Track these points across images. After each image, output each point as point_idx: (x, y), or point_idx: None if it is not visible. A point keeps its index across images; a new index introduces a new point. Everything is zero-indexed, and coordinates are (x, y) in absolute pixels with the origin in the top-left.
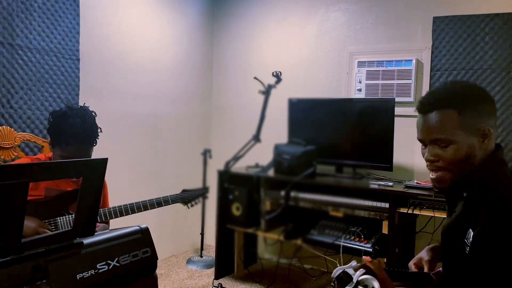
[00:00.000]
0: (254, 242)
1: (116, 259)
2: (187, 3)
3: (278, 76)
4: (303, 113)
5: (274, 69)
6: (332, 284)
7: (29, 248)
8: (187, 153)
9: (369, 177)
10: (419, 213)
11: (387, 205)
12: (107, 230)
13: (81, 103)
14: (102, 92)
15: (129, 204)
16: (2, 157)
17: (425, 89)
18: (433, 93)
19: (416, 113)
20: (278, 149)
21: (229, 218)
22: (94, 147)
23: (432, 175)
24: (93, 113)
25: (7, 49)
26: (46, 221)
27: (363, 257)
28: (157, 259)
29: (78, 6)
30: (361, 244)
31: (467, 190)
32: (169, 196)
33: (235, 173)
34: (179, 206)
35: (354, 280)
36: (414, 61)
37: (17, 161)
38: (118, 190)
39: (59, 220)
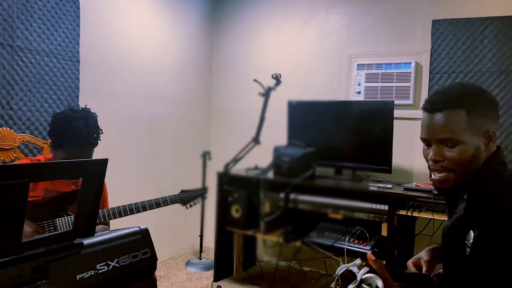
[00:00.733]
0: (253, 245)
1: (116, 259)
2: (187, 6)
3: (277, 79)
4: (303, 115)
5: (273, 72)
6: (336, 281)
7: (29, 248)
8: (187, 155)
9: (369, 179)
10: (418, 215)
11: (386, 207)
12: (107, 231)
13: (81, 105)
14: (102, 93)
15: (128, 205)
16: (1, 158)
17: (424, 91)
18: (443, 92)
19: (415, 116)
20: (277, 151)
21: (228, 220)
22: (94, 148)
23: (434, 175)
24: (95, 115)
25: (7, 51)
26: (45, 222)
27: (368, 254)
28: (157, 260)
29: (78, 8)
30: (361, 246)
31: (468, 191)
32: (168, 196)
33: (235, 175)
34: (178, 208)
35: (358, 278)
36: (413, 64)
37: (16, 162)
38: (118, 191)
39: (57, 221)
